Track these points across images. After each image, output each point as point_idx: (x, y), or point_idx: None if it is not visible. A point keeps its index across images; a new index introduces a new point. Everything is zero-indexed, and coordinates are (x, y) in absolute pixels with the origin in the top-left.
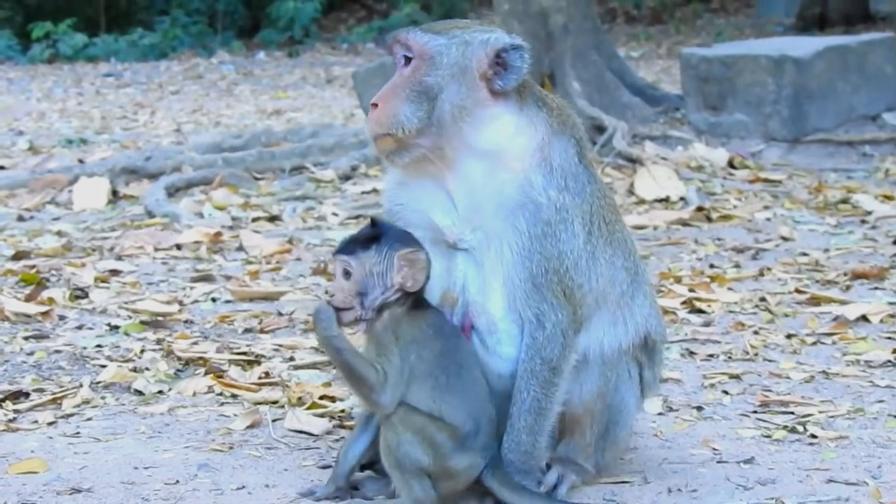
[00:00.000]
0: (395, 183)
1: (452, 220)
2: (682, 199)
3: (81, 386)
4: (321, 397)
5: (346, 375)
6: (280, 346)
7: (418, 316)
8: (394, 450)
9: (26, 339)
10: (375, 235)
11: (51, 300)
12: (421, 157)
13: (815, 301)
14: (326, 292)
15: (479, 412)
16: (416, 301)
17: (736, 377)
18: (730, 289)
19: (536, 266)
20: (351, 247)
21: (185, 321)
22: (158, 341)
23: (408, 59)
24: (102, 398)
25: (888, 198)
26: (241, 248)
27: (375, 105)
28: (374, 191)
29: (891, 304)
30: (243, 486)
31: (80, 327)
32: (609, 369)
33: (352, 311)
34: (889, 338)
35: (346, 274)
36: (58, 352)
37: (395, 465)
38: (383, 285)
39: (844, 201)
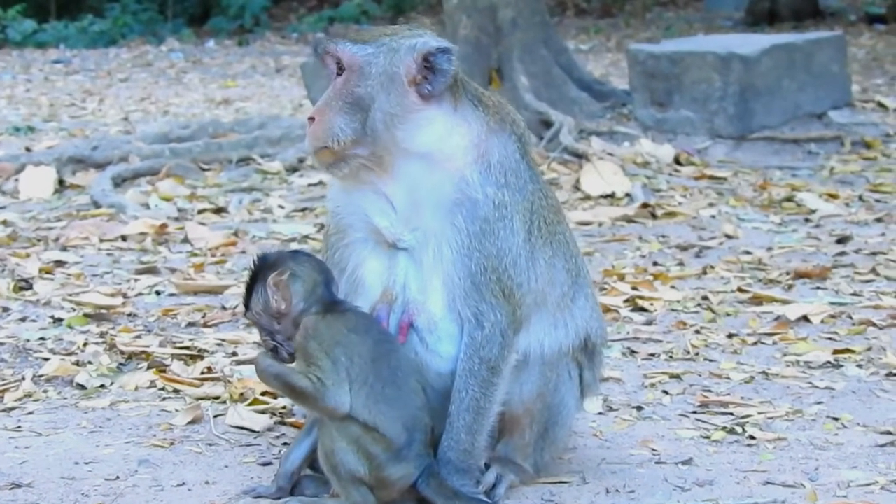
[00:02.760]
0: (337, 186)
1: (390, 222)
2: (627, 195)
3: (24, 379)
4: (263, 393)
5: (290, 395)
6: (223, 340)
7: (334, 319)
8: (330, 456)
9: None
10: (252, 281)
11: None
12: (360, 166)
13: (757, 300)
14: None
15: (414, 423)
16: (328, 306)
17: (676, 377)
18: (673, 287)
19: (476, 264)
20: (244, 300)
21: (129, 314)
22: (101, 334)
23: (340, 70)
24: (44, 392)
25: (832, 196)
26: (186, 241)
27: (312, 119)
28: (321, 183)
29: (832, 304)
30: (183, 483)
31: (23, 319)
32: (549, 370)
33: (281, 348)
34: (829, 339)
35: (254, 326)
36: (0, 344)
37: (332, 471)
38: (276, 317)
39: (789, 199)
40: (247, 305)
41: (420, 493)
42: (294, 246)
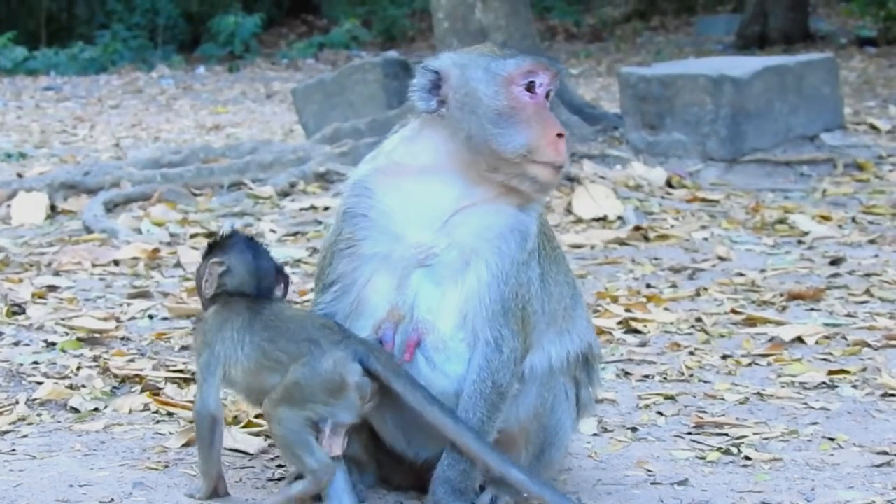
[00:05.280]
0: (363, 188)
1: (430, 236)
2: (619, 218)
3: (17, 403)
4: (257, 416)
5: None
6: None
7: (223, 309)
8: (284, 436)
9: None
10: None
11: None
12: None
13: (751, 322)
14: None
15: (308, 331)
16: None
17: (671, 398)
18: (666, 309)
19: (510, 290)
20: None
21: (122, 338)
22: (95, 358)
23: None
24: (38, 415)
25: (825, 218)
26: (178, 265)
27: (562, 135)
28: (313, 207)
29: (826, 325)
30: None
31: (16, 343)
32: (546, 390)
33: None
34: (824, 359)
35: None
36: None
37: (288, 448)
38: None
39: (781, 221)
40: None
41: (370, 373)
42: (286, 270)
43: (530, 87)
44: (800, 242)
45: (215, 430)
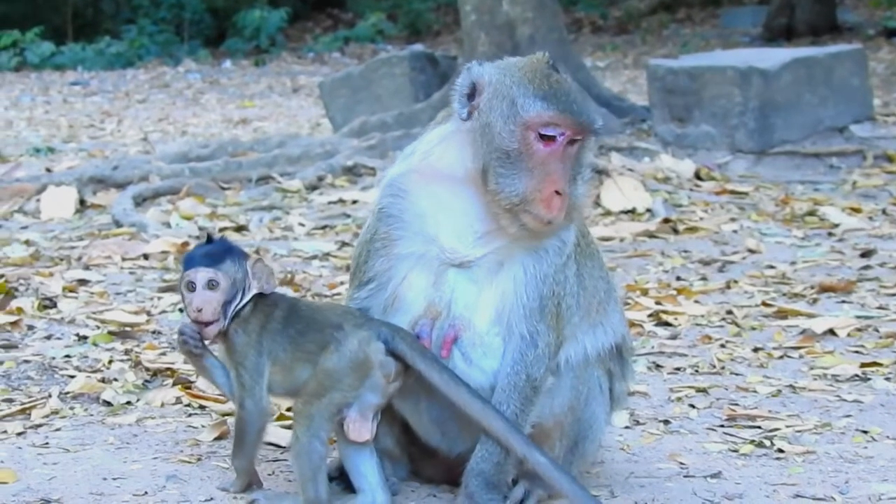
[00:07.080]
0: (398, 188)
1: (464, 244)
2: (648, 210)
3: (50, 396)
4: (288, 409)
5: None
6: None
7: (260, 308)
8: (305, 451)
9: None
10: (226, 247)
11: (19, 310)
12: None
13: (782, 314)
14: (195, 309)
15: (331, 320)
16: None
17: (703, 391)
18: (696, 301)
19: (548, 289)
20: (208, 259)
21: (153, 331)
22: (126, 352)
23: (573, 141)
24: (71, 409)
25: (855, 210)
26: None
27: (559, 193)
28: (341, 201)
29: (858, 317)
30: (211, 498)
31: (48, 337)
32: (581, 382)
33: (217, 323)
34: (856, 352)
35: (212, 285)
36: (26, 362)
37: (302, 462)
38: (243, 292)
39: (811, 214)
40: (213, 264)
41: (394, 354)
42: (315, 264)
43: (549, 137)
44: (830, 235)
45: (264, 431)
